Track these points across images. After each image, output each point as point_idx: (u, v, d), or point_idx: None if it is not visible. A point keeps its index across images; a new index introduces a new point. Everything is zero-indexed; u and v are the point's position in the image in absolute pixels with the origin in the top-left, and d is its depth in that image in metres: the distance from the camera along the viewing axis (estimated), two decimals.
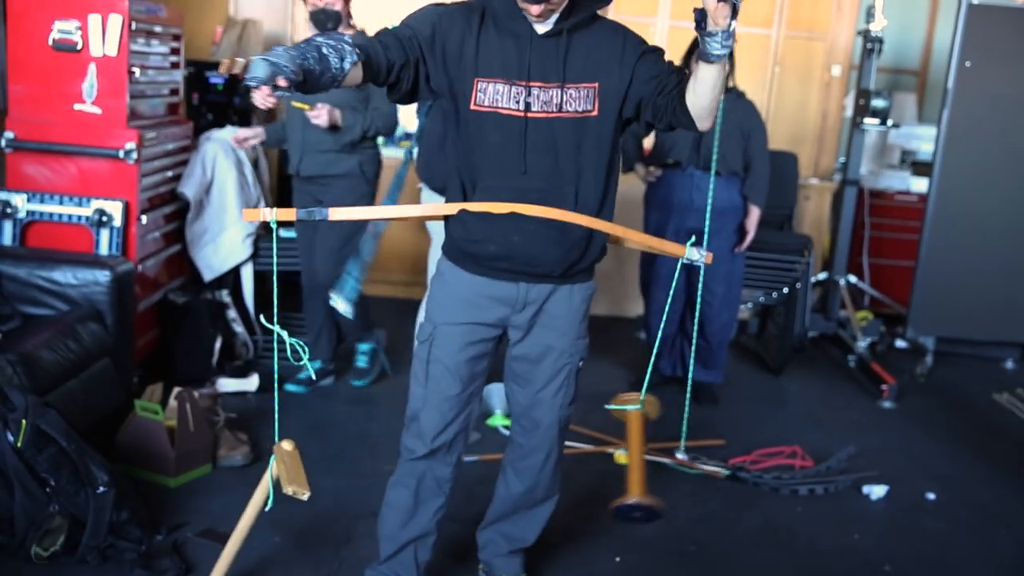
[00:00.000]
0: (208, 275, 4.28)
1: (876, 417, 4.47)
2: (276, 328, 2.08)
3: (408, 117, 5.26)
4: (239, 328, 4.30)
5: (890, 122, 5.25)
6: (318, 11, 3.79)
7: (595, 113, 2.13)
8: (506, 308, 2.27)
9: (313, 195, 4.02)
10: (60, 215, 3.71)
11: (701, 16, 1.85)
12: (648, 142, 4.39)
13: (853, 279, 5.60)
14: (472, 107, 2.12)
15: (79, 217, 3.70)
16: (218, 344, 4.04)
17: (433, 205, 2.42)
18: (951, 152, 5.03)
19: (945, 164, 5.04)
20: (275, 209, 2.06)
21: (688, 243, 2.21)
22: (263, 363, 4.29)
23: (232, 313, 4.29)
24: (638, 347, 5.11)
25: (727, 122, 3.99)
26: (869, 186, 6.00)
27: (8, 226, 3.70)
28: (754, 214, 4.16)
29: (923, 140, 6.13)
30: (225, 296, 4.32)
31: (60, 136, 3.72)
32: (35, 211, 3.71)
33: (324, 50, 1.90)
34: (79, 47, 3.66)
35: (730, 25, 1.82)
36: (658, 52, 2.15)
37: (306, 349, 2.12)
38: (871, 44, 5.20)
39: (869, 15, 5.22)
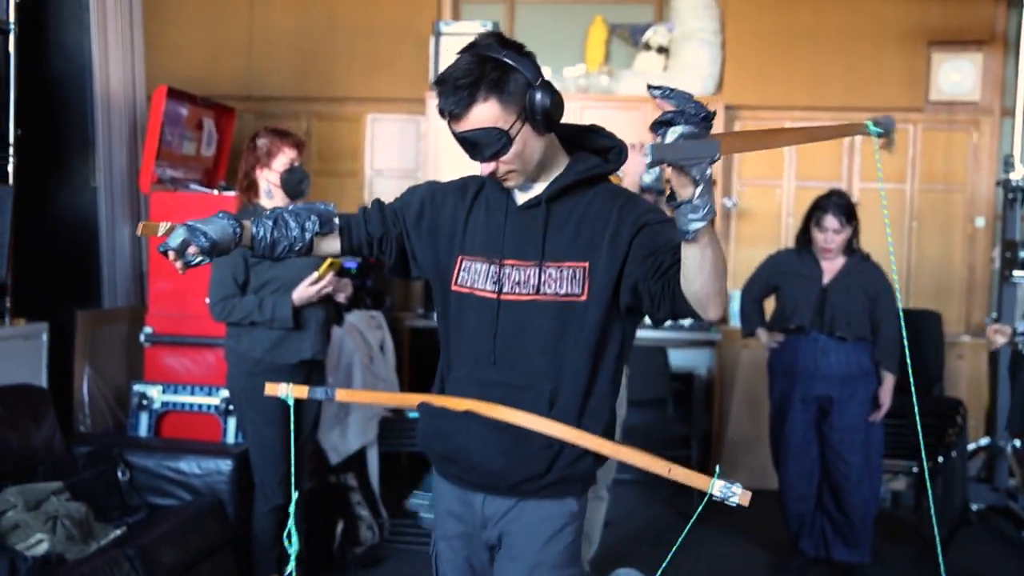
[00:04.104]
0: (334, 458, 4.30)
1: None
2: (292, 533, 2.07)
3: None
4: (363, 512, 4.28)
5: None
6: (295, 170, 3.31)
7: (583, 298, 1.78)
8: (477, 517, 1.92)
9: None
10: (191, 405, 3.86)
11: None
12: (769, 304, 4.23)
13: (1020, 443, 5.12)
14: (453, 287, 1.89)
15: (208, 406, 3.84)
16: (340, 529, 4.02)
17: (403, 395, 2.28)
18: None
19: None
20: (291, 385, 2.02)
21: (715, 475, 1.67)
22: (388, 547, 4.22)
23: (356, 496, 4.28)
24: (781, 524, 4.77)
25: (852, 285, 3.85)
26: None
27: (144, 417, 3.88)
28: (888, 381, 3.92)
29: None
30: (351, 480, 4.33)
31: (192, 329, 3.92)
32: (169, 401, 3.88)
33: (285, 216, 1.82)
34: None
35: (693, 196, 1.45)
36: (662, 224, 1.76)
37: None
38: (1012, 194, 4.95)
39: (1008, 164, 4.99)
